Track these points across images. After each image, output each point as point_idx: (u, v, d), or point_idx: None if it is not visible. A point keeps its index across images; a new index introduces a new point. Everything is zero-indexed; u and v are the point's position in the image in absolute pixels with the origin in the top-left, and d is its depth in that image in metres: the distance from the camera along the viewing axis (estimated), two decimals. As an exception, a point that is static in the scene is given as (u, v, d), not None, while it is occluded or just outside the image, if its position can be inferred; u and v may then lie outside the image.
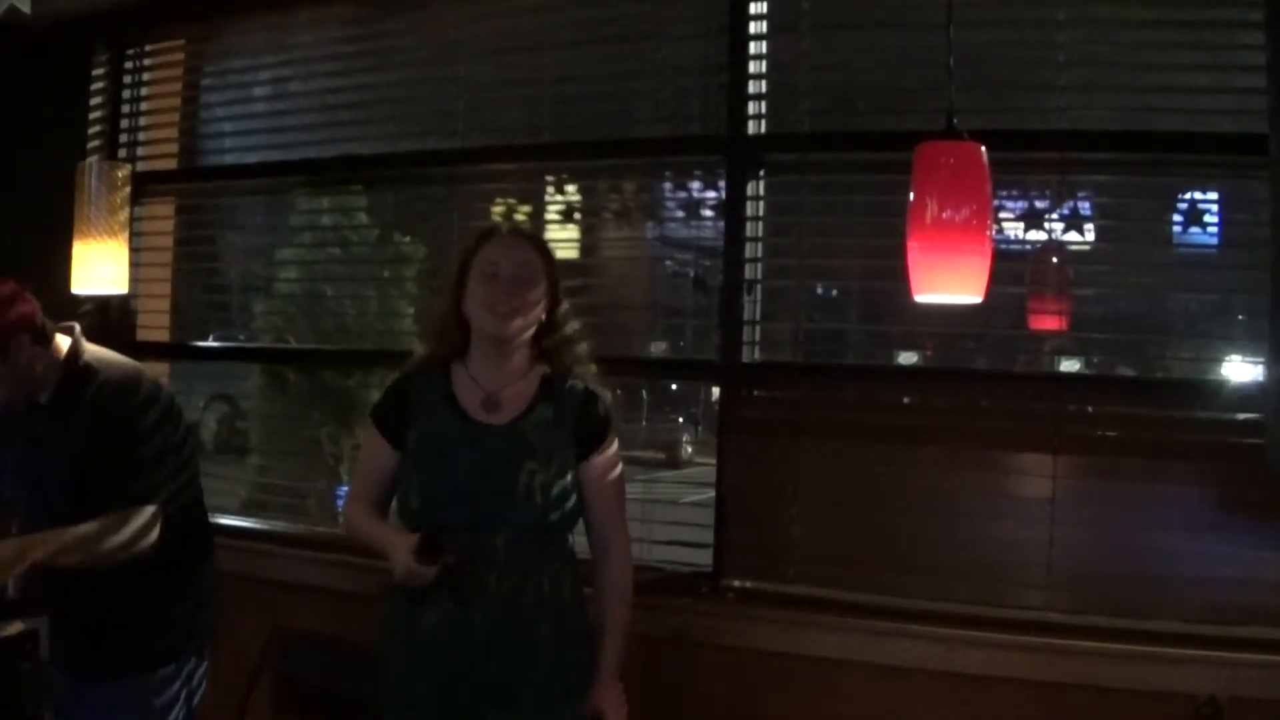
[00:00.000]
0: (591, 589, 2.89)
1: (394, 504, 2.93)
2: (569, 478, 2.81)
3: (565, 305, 2.93)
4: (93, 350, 3.09)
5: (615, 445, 2.92)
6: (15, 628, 3.56)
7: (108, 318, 4.62)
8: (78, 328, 3.11)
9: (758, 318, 3.55)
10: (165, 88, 4.74)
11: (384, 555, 2.78)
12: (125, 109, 4.73)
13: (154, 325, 4.72)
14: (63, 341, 3.05)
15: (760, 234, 3.55)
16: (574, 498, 2.82)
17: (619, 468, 2.93)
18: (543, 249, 2.92)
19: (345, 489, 4.46)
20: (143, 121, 4.74)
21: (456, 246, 4.00)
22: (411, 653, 2.79)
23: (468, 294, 2.83)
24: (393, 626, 2.85)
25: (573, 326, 2.94)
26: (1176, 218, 3.31)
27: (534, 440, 2.80)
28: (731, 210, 3.53)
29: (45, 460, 3.04)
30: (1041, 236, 3.30)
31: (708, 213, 3.77)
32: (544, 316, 2.86)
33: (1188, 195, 3.29)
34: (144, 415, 3.01)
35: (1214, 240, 3.33)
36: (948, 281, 2.27)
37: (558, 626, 2.78)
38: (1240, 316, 3.20)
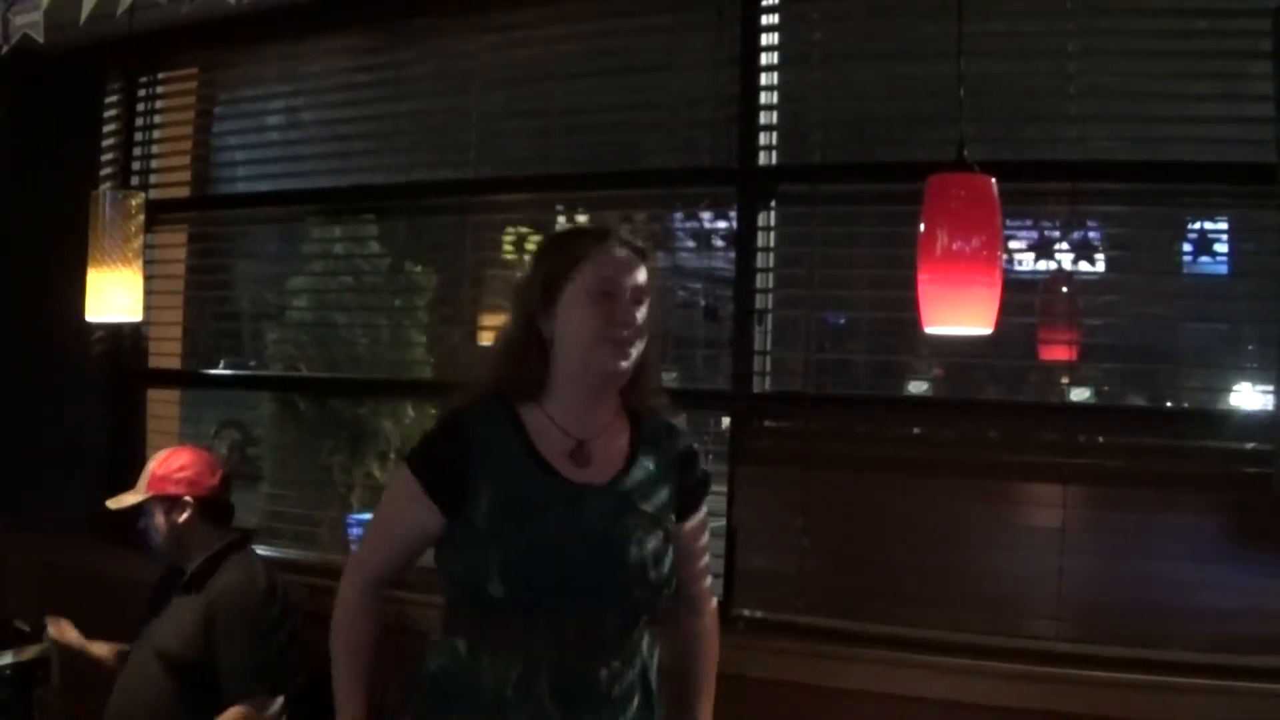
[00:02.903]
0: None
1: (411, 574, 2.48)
2: (671, 543, 2.34)
3: None
4: (249, 559, 3.47)
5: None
6: (30, 653, 3.63)
7: (120, 345, 4.64)
8: (251, 544, 3.57)
9: (768, 348, 3.56)
10: (178, 116, 4.77)
11: (336, 703, 2.35)
12: (138, 136, 4.76)
13: (165, 353, 4.72)
14: (228, 536, 3.49)
15: (771, 264, 3.56)
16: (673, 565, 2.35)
17: (708, 526, 2.53)
18: (652, 261, 2.37)
19: (356, 516, 4.46)
20: (155, 149, 4.77)
21: (469, 275, 4.02)
22: None
23: (565, 318, 2.27)
24: None
25: (651, 350, 2.40)
26: (1186, 247, 3.30)
27: (638, 503, 2.30)
28: (743, 241, 3.54)
29: (164, 622, 3.37)
30: (1052, 266, 3.30)
31: (719, 242, 3.78)
32: None
33: (1197, 225, 3.29)
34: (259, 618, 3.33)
35: (1224, 269, 3.33)
36: (958, 313, 2.27)
37: None
38: (1250, 345, 3.19)
